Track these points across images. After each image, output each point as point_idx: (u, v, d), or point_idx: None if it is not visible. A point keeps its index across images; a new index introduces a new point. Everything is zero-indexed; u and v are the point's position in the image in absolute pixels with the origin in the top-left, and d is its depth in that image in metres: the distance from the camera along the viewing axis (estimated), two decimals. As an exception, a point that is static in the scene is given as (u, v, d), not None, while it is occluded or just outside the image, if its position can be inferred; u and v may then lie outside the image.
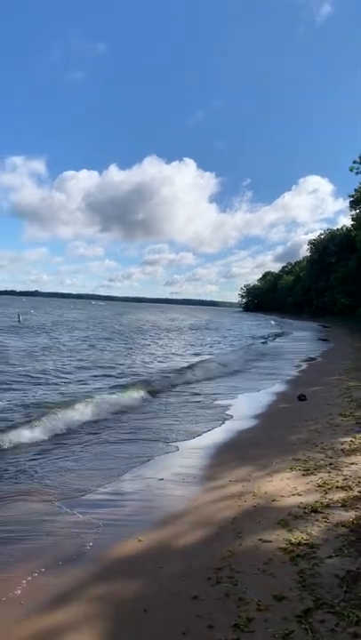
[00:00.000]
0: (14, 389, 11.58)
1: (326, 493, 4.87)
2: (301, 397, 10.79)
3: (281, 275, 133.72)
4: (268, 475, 5.70)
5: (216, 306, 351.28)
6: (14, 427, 7.82)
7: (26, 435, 7.53)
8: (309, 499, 4.76)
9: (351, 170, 44.71)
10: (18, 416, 8.73)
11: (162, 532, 4.32)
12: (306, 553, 3.67)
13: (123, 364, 17.42)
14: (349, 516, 4.28)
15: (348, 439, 6.93)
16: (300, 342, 31.92)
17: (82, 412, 9.09)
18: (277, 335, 38.68)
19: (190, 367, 16.58)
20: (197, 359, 19.79)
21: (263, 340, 32.82)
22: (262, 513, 4.54)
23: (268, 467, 6.01)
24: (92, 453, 6.94)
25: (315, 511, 4.44)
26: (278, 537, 3.97)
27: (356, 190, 53.95)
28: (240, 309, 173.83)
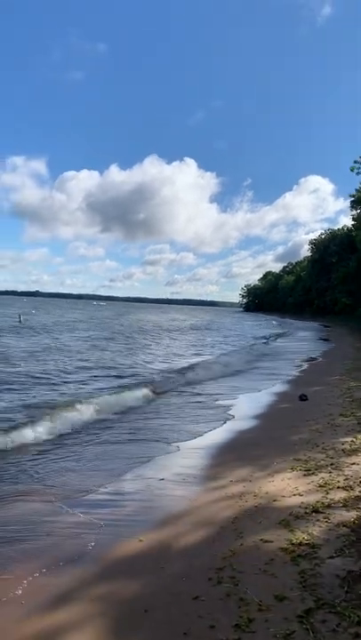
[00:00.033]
0: (16, 389, 11.59)
1: (327, 493, 4.86)
2: (302, 397, 10.78)
3: (282, 275, 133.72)
4: (270, 475, 5.70)
5: (217, 306, 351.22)
6: (16, 427, 7.83)
7: (27, 435, 7.54)
8: (311, 499, 4.75)
9: (352, 170, 44.67)
10: (19, 416, 8.74)
11: (163, 532, 4.32)
12: (307, 553, 3.66)
13: (124, 365, 17.43)
14: (351, 516, 4.27)
15: (349, 439, 6.92)
16: (301, 342, 31.91)
17: (83, 413, 9.10)
18: (278, 335, 38.68)
19: (192, 367, 16.60)
20: (199, 359, 19.81)
21: (264, 341, 32.83)
22: (263, 513, 4.54)
23: (270, 467, 6.00)
24: (93, 453, 6.94)
25: (316, 511, 4.43)
26: (279, 537, 3.97)
27: (356, 190, 53.91)
28: (241, 309, 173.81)
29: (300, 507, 4.57)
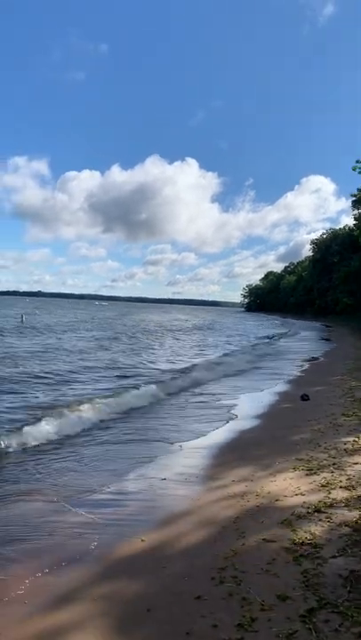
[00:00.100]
0: (19, 390, 11.60)
1: (330, 493, 4.86)
2: (304, 397, 10.77)
3: (283, 275, 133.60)
4: (272, 474, 5.69)
5: (218, 306, 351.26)
6: (19, 427, 7.84)
7: (30, 435, 7.54)
8: (313, 498, 4.75)
9: (354, 169, 44.45)
10: (23, 416, 8.76)
11: (165, 532, 4.32)
12: (309, 553, 3.66)
13: (127, 365, 17.43)
14: (353, 515, 4.27)
15: (351, 439, 6.91)
16: (302, 342, 31.89)
17: (86, 413, 9.10)
18: (280, 335, 38.65)
19: (194, 367, 16.61)
20: (201, 359, 19.82)
21: (266, 341, 32.83)
22: (265, 513, 4.54)
23: (271, 466, 6.00)
24: (96, 453, 6.94)
25: (318, 511, 4.42)
26: (282, 537, 3.97)
27: (358, 190, 53.77)
28: (242, 309, 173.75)
29: (302, 506, 4.57)
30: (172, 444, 7.41)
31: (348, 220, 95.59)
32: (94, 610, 3.14)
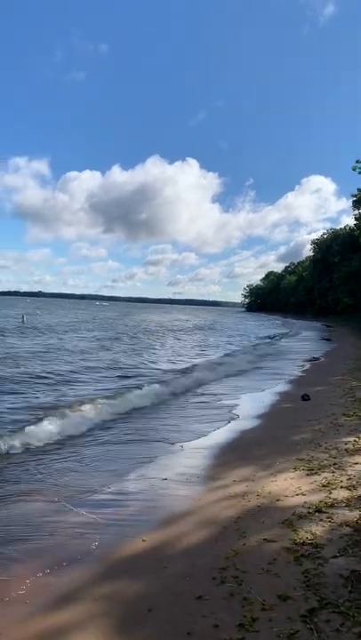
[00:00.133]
0: (20, 390, 11.61)
1: (330, 493, 4.86)
2: (305, 397, 10.77)
3: (284, 275, 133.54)
4: (272, 474, 5.69)
5: (219, 306, 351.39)
6: (21, 427, 7.85)
7: (32, 435, 7.55)
8: (313, 498, 4.75)
9: (354, 169, 44.40)
10: (24, 417, 8.77)
11: (166, 532, 4.32)
12: (310, 553, 3.66)
13: (128, 365, 17.45)
14: (354, 515, 4.27)
15: (351, 439, 6.91)
16: (303, 342, 31.86)
17: (87, 413, 9.11)
18: (281, 335, 38.63)
19: (195, 367, 16.62)
20: (203, 359, 19.83)
21: (267, 341, 32.82)
22: (266, 513, 4.54)
23: (272, 466, 6.00)
24: (97, 453, 6.95)
25: (319, 511, 4.42)
26: (283, 537, 3.97)
27: (359, 190, 53.70)
28: (243, 309, 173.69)
29: (303, 506, 4.57)
30: (173, 444, 7.41)
31: (348, 220, 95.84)
32: (95, 610, 3.14)
